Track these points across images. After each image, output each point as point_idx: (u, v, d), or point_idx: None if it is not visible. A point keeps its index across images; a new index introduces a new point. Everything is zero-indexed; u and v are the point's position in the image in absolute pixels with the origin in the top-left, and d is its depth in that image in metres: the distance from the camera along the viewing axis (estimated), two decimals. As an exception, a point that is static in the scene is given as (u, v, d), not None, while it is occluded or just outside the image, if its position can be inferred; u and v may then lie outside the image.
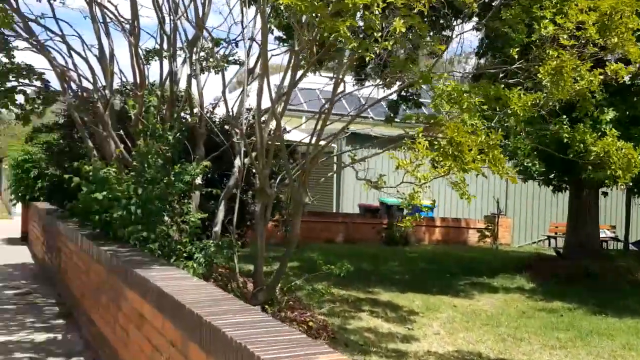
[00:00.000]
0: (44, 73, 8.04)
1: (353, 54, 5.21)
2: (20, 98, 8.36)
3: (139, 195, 5.05)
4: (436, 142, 4.96)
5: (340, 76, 5.59)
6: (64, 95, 7.08)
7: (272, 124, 6.15)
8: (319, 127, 5.70)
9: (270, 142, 6.00)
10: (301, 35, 4.91)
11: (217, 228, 6.70)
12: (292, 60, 5.56)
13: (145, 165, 5.19)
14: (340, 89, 5.74)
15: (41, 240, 10.44)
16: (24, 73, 7.90)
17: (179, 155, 5.90)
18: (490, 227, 16.23)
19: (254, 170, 6.75)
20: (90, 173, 5.57)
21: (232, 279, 5.68)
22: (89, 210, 5.37)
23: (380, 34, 4.42)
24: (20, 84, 7.67)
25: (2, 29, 6.59)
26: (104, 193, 5.29)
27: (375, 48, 4.46)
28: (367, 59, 4.93)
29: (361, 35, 4.81)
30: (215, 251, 5.22)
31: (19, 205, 14.55)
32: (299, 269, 9.41)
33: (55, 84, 8.22)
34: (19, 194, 13.09)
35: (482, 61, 11.60)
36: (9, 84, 7.87)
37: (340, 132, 6.22)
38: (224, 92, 6.95)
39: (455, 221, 17.65)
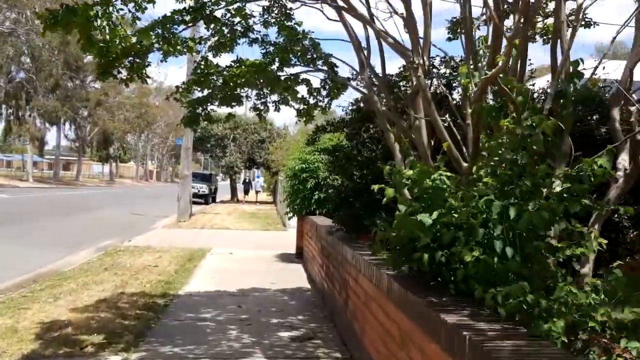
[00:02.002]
0: (331, 55, 6.34)
1: None
2: (302, 89, 6.84)
3: (509, 220, 2.68)
4: None
5: None
6: (361, 73, 5.16)
7: None
8: None
9: None
10: None
11: (587, 269, 4.03)
12: None
13: (515, 165, 2.80)
14: None
15: (318, 262, 8.95)
16: (309, 56, 6.28)
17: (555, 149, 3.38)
18: None
19: None
20: (407, 181, 3.41)
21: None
22: (411, 243, 3.19)
23: None
24: (308, 67, 6.03)
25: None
26: (435, 215, 3.06)
27: None
28: None
29: None
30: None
31: (294, 218, 13.74)
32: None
33: (342, 71, 6.50)
34: (295, 207, 12.08)
35: None
36: (290, 70, 6.34)
37: None
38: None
39: None
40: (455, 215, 2.99)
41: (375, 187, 3.44)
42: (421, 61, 4.17)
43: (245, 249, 13.76)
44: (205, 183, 37.43)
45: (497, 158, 2.99)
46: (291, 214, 12.69)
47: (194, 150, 37.46)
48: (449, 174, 3.28)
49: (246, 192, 41.29)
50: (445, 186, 3.13)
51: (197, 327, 6.32)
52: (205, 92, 6.81)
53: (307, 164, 11.46)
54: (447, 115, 4.25)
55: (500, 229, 2.67)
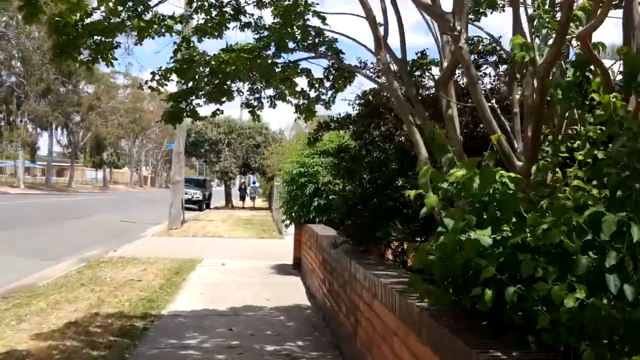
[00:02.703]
0: (336, 40, 5.44)
1: None
2: (301, 82, 5.94)
3: (631, 243, 1.77)
4: None
5: None
6: (377, 54, 4.24)
7: None
8: None
9: None
10: None
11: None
12: None
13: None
14: None
15: (319, 276, 8.03)
16: (311, 41, 5.37)
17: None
18: None
19: None
20: (450, 185, 2.50)
21: None
22: (465, 273, 2.27)
23: None
24: (309, 53, 5.12)
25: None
26: (496, 233, 2.15)
27: None
28: None
29: None
30: None
31: (291, 225, 12.81)
32: None
33: (349, 58, 5.61)
34: (292, 215, 11.14)
35: None
36: (289, 57, 5.43)
37: None
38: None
39: None
40: (529, 234, 2.08)
41: (412, 193, 2.52)
42: (463, 28, 3.26)
43: (239, 258, 12.81)
44: (199, 189, 36.41)
45: (564, 149, 2.09)
46: (288, 222, 11.77)
47: (189, 155, 36.59)
48: (512, 175, 2.36)
49: (242, 198, 40.36)
50: (513, 192, 2.22)
51: (180, 357, 5.38)
52: (190, 84, 5.91)
53: (306, 168, 10.55)
54: (493, 102, 3.33)
55: (614, 257, 1.77)
